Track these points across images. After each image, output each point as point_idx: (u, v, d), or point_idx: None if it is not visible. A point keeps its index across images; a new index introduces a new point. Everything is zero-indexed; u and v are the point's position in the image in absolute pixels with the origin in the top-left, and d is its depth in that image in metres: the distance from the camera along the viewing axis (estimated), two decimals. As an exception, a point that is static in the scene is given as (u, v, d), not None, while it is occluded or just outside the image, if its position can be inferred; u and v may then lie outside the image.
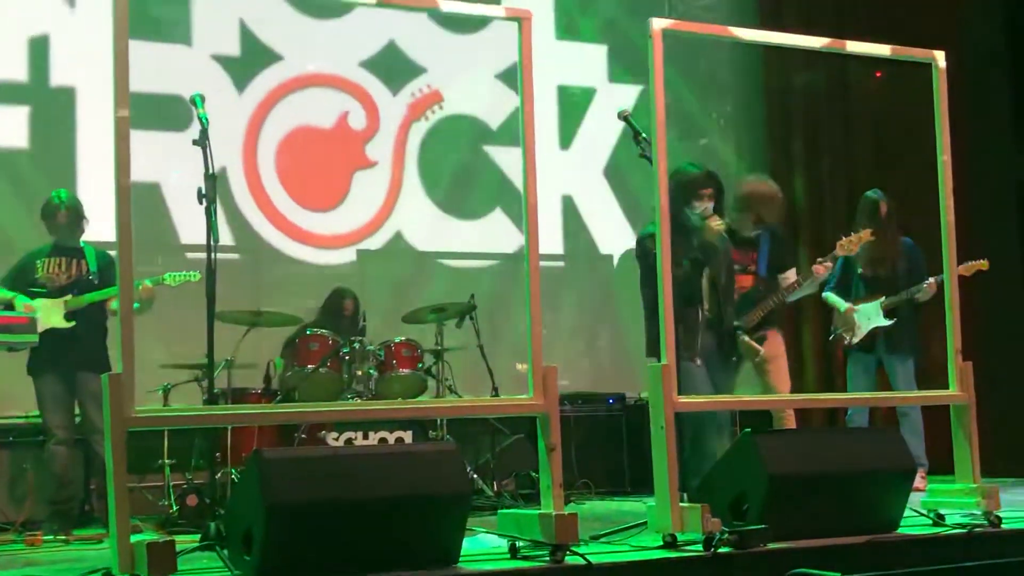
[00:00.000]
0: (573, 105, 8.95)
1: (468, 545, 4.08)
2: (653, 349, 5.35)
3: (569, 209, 8.87)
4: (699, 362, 5.51)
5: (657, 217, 4.38)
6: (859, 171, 9.36)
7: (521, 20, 4.28)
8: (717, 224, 5.58)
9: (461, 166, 8.64)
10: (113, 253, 4.45)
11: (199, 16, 7.96)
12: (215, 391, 5.47)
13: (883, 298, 7.01)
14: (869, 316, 7.03)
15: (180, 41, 7.89)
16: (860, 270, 7.10)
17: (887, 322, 6.98)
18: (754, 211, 6.44)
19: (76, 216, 6.21)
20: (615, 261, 8.92)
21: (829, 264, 6.48)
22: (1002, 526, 4.61)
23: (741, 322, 6.33)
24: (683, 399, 4.49)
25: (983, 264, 6.92)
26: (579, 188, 8.89)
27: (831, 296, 7.19)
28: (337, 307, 7.26)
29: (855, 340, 7.08)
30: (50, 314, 6.02)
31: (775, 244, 6.47)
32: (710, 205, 5.59)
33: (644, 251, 5.47)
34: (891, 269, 7.05)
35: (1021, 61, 9.57)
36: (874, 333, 7.02)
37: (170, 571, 3.47)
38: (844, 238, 6.49)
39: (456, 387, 7.01)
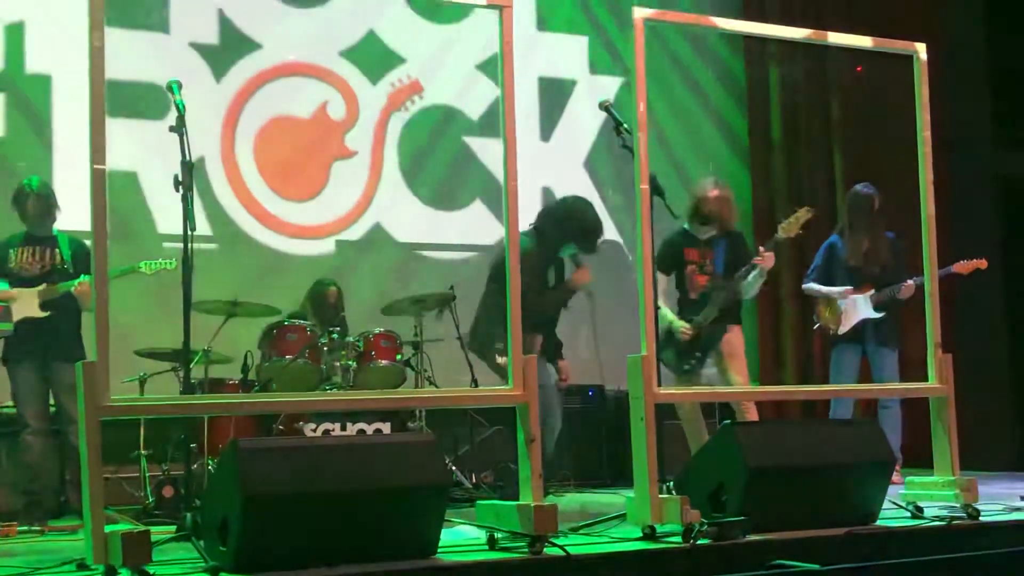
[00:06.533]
0: (554, 96, 8.92)
1: (446, 536, 4.06)
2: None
3: (549, 201, 8.82)
4: None
5: (637, 205, 4.36)
6: (839, 164, 9.39)
7: (502, 8, 4.25)
8: (585, 277, 6.29)
9: (441, 157, 8.59)
10: (88, 242, 4.41)
11: (177, 4, 7.89)
12: (192, 381, 5.42)
13: (872, 291, 6.95)
14: (858, 307, 6.97)
15: (158, 29, 7.82)
16: (850, 262, 7.03)
17: (877, 315, 6.94)
18: (705, 216, 6.45)
19: (47, 204, 6.14)
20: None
21: (770, 254, 6.34)
22: (981, 519, 4.63)
23: (699, 318, 6.34)
24: (664, 391, 4.49)
25: (982, 263, 6.90)
26: (559, 180, 8.85)
27: (815, 286, 7.13)
28: (320, 296, 7.22)
29: (842, 330, 7.02)
30: (24, 304, 5.96)
31: (732, 248, 6.46)
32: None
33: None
34: (879, 263, 7.00)
35: (1001, 56, 9.61)
36: (861, 325, 6.98)
37: (145, 561, 3.44)
38: (784, 220, 6.38)
39: (435, 378, 6.98)
